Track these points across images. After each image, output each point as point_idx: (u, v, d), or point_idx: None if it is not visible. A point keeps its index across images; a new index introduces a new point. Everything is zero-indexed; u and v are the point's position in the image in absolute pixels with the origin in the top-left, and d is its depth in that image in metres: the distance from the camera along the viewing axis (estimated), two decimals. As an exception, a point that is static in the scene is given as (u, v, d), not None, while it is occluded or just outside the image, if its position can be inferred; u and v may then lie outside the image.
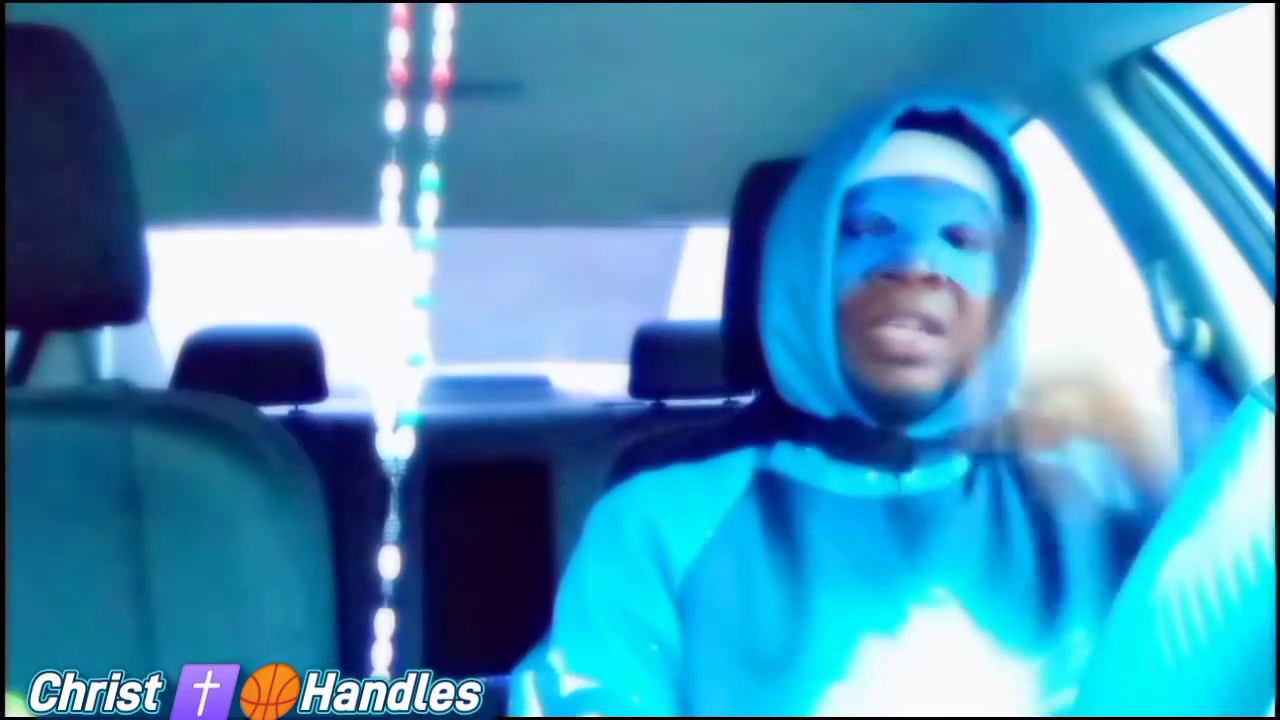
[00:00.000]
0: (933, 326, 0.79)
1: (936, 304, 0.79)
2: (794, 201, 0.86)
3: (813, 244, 0.81)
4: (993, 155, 0.84)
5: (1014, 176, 0.83)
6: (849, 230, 0.81)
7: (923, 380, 0.80)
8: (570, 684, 0.80)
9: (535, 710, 0.81)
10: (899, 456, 0.82)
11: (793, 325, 0.83)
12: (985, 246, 0.82)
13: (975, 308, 0.81)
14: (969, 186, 0.82)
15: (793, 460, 0.86)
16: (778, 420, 0.87)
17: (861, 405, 0.82)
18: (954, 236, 0.81)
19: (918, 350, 0.79)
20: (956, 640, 0.78)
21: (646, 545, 0.83)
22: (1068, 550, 0.81)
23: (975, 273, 0.81)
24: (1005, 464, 0.85)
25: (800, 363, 0.83)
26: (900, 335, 0.79)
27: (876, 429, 0.82)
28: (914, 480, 0.83)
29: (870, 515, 0.82)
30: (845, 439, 0.83)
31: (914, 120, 0.83)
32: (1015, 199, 0.84)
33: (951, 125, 0.83)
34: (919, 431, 0.82)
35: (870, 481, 0.83)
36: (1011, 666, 0.77)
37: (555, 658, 0.82)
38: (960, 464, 0.85)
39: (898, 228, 0.80)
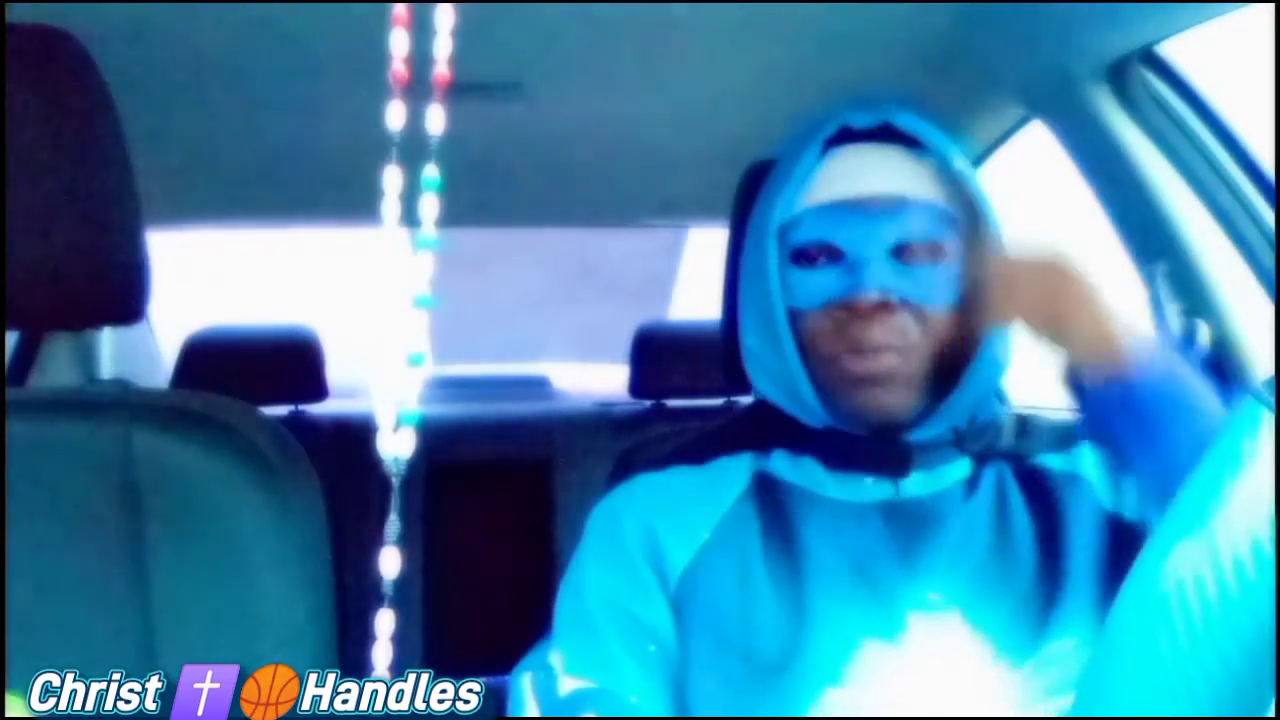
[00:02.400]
0: (893, 350, 0.79)
1: (893, 329, 0.79)
2: (752, 222, 0.87)
3: (764, 280, 0.82)
4: (935, 155, 0.83)
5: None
6: (804, 257, 0.81)
7: (895, 399, 0.80)
8: (568, 685, 0.80)
9: (534, 711, 0.81)
10: (895, 463, 0.82)
11: (766, 351, 0.84)
12: (942, 255, 0.81)
13: (938, 321, 0.80)
14: (915, 196, 0.81)
15: (790, 467, 0.86)
16: (774, 425, 0.87)
17: (843, 421, 0.82)
18: (904, 253, 0.80)
19: (883, 374, 0.79)
20: (953, 643, 0.77)
21: (644, 547, 0.83)
22: (1069, 554, 0.80)
23: (932, 286, 0.80)
24: (1010, 466, 0.85)
25: (778, 385, 0.84)
26: (862, 364, 0.79)
27: (870, 437, 0.82)
28: (913, 484, 0.83)
29: (868, 519, 0.82)
30: (840, 449, 0.83)
31: (849, 134, 0.83)
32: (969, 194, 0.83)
33: (889, 134, 0.83)
34: (914, 435, 0.82)
35: (868, 487, 0.83)
36: (1008, 670, 0.77)
37: (555, 658, 0.82)
38: (961, 467, 0.84)
39: (846, 254, 0.80)
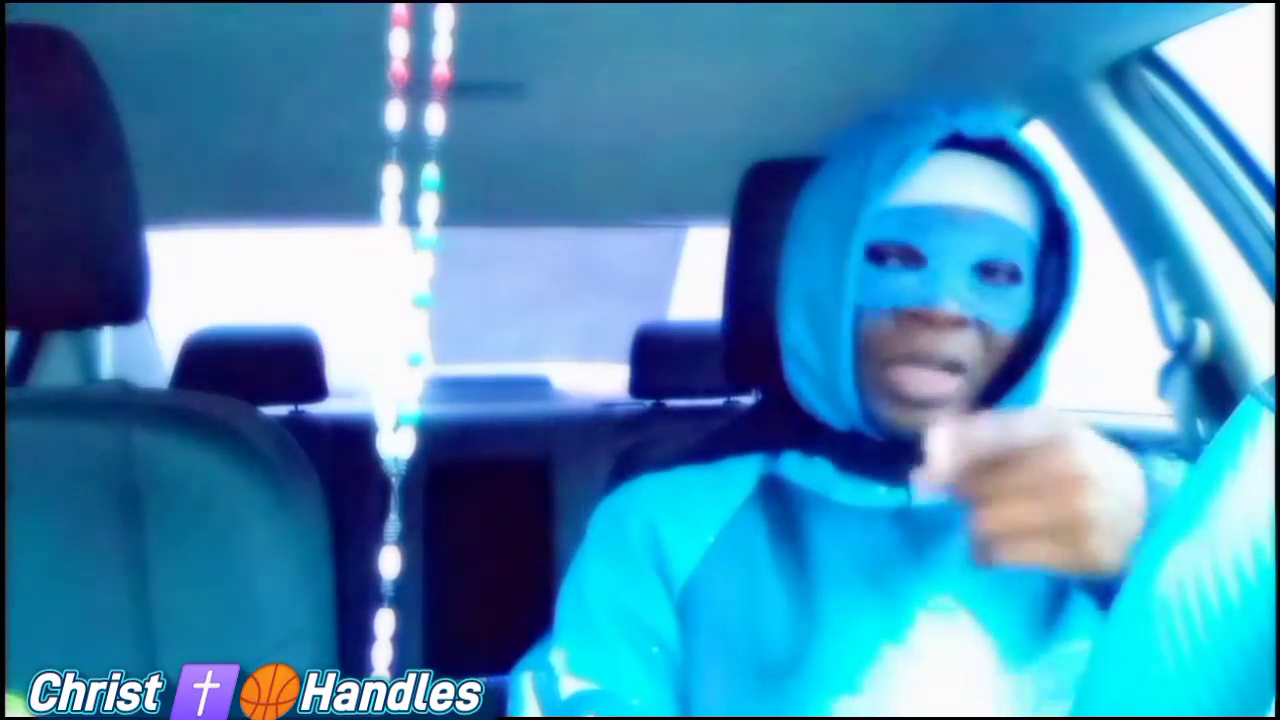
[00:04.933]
0: (955, 367, 0.77)
1: (960, 345, 0.77)
2: (818, 210, 0.83)
3: (837, 270, 0.78)
4: (1034, 183, 0.81)
5: (1058, 208, 0.80)
6: (876, 255, 0.78)
7: (938, 419, 0.78)
8: (570, 686, 0.80)
9: (535, 711, 0.81)
10: (912, 472, 0.81)
11: (810, 346, 0.81)
12: (1018, 280, 0.79)
13: (1001, 344, 0.79)
14: (1007, 216, 0.79)
15: (801, 469, 0.84)
16: (786, 426, 0.85)
17: (874, 429, 0.81)
18: (986, 272, 0.78)
19: (937, 393, 0.77)
20: (963, 647, 0.77)
21: (648, 548, 0.83)
22: None
23: (1005, 309, 0.78)
24: None
25: (815, 382, 0.82)
26: (921, 377, 0.77)
27: (889, 443, 0.81)
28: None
29: (878, 524, 0.80)
30: (857, 452, 0.82)
31: (952, 140, 0.79)
32: (1055, 228, 0.81)
33: (992, 148, 0.80)
34: None
35: (880, 494, 0.82)
36: (1018, 672, 0.76)
37: (556, 658, 0.82)
38: None
39: (928, 262, 0.77)
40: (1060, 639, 0.77)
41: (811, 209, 0.84)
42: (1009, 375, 0.80)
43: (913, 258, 0.78)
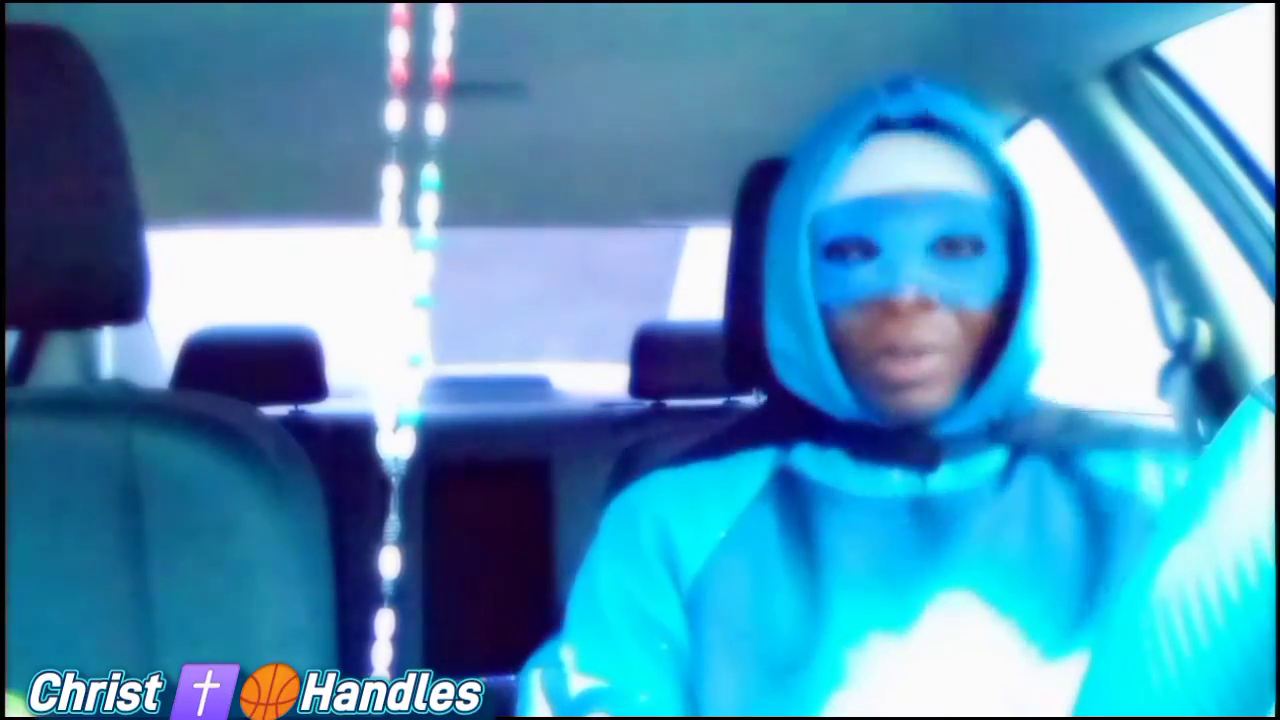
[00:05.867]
0: (932, 349, 0.76)
1: (932, 328, 0.76)
2: (779, 214, 0.83)
3: (795, 274, 0.79)
4: (976, 145, 0.79)
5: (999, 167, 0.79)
6: (836, 252, 0.78)
7: (930, 399, 0.77)
8: (580, 684, 0.80)
9: (543, 709, 0.81)
10: (925, 456, 0.80)
11: (796, 348, 0.81)
12: (982, 249, 0.78)
13: (977, 319, 0.78)
14: (956, 189, 0.78)
15: (814, 461, 0.84)
16: (798, 419, 0.85)
17: (875, 418, 0.80)
18: (944, 249, 0.77)
19: (921, 375, 0.76)
20: (978, 645, 0.76)
21: (657, 544, 0.82)
22: (1106, 554, 0.78)
23: (972, 283, 0.77)
24: (1049, 461, 0.82)
25: (808, 381, 0.82)
26: (900, 365, 0.76)
27: (899, 429, 0.80)
28: (942, 479, 0.80)
29: (893, 516, 0.80)
30: (868, 440, 0.81)
31: (885, 123, 0.79)
32: (1009, 185, 0.80)
33: (927, 121, 0.79)
34: (944, 428, 0.80)
35: (895, 482, 0.81)
36: (1036, 671, 0.75)
37: (566, 655, 0.82)
38: (995, 458, 0.82)
39: (882, 250, 0.77)
40: (1083, 634, 0.75)
41: (776, 213, 0.84)
42: (1001, 346, 0.79)
43: (867, 249, 0.77)
